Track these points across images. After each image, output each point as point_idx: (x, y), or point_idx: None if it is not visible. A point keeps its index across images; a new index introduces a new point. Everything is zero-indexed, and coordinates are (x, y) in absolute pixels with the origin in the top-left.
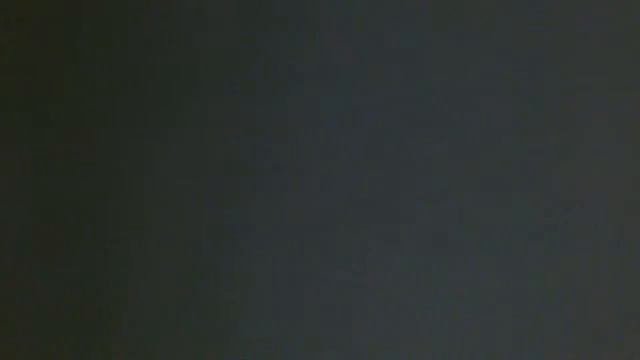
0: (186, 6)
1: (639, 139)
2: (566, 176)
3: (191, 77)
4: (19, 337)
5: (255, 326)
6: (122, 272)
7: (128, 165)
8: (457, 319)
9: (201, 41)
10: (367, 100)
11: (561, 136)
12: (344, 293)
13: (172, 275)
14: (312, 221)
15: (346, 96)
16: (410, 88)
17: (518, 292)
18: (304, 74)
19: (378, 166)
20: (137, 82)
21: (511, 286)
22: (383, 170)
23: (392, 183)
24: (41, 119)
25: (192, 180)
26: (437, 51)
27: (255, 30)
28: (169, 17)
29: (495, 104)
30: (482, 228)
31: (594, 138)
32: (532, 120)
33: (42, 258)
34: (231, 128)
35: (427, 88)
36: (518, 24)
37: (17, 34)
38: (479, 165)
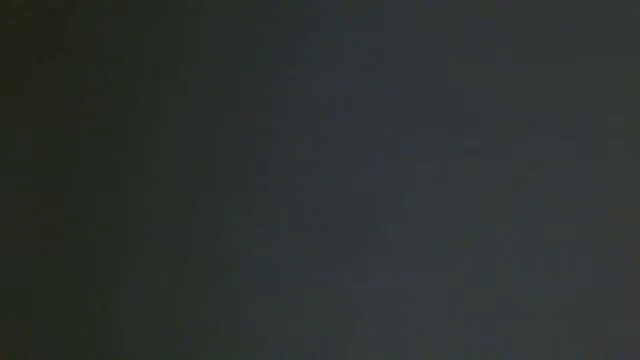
0: (184, 4)
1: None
2: (565, 176)
3: (189, 76)
4: (19, 337)
5: (254, 325)
6: (121, 272)
7: (127, 165)
8: (456, 318)
9: (198, 39)
10: (367, 100)
11: (561, 136)
12: (342, 294)
13: (171, 274)
14: (310, 219)
15: (345, 97)
16: (409, 88)
17: (516, 292)
18: (303, 73)
19: (377, 165)
20: (136, 82)
21: (509, 286)
22: (382, 169)
23: (391, 182)
24: (41, 119)
25: (191, 180)
26: (437, 51)
27: (252, 30)
28: (167, 16)
29: (495, 104)
30: (481, 228)
31: (593, 138)
32: (531, 120)
33: (42, 258)
34: (230, 127)
35: (426, 88)
36: (518, 24)
37: (16, 32)
38: (478, 164)
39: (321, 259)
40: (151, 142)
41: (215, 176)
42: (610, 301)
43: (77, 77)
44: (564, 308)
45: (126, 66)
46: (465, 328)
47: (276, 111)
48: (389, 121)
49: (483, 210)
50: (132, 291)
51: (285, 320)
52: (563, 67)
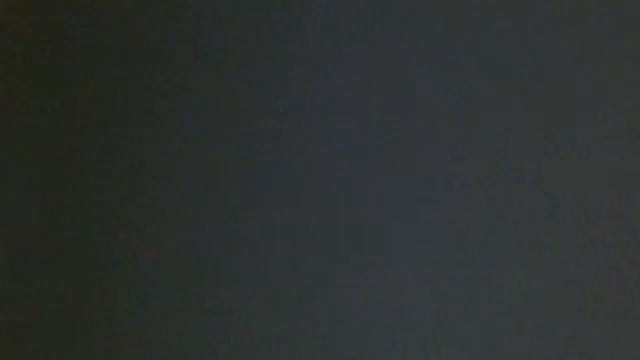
0: (185, 4)
1: (639, 139)
2: (565, 176)
3: (189, 77)
4: (19, 337)
5: (253, 325)
6: (121, 272)
7: (128, 164)
8: (457, 320)
9: (201, 40)
10: (366, 101)
11: (560, 136)
12: (343, 296)
13: (172, 274)
14: (311, 222)
15: (344, 98)
16: (409, 89)
17: (516, 293)
18: (303, 76)
19: (375, 166)
20: (136, 82)
21: (508, 287)
22: (380, 170)
23: (389, 183)
24: (41, 119)
25: (192, 180)
26: (436, 52)
27: (253, 31)
28: (167, 16)
29: (494, 105)
30: (481, 229)
31: (592, 138)
32: (531, 120)
33: (42, 258)
34: (230, 128)
35: (425, 89)
36: (517, 25)
37: (17, 32)
38: (478, 165)
39: (320, 260)
40: (152, 142)
41: (215, 177)
42: (610, 300)
43: (77, 77)
44: (562, 310)
45: (126, 66)
46: (463, 330)
47: (277, 112)
48: (388, 123)
49: (482, 212)
50: (132, 291)
51: (284, 320)
52: (565, 68)
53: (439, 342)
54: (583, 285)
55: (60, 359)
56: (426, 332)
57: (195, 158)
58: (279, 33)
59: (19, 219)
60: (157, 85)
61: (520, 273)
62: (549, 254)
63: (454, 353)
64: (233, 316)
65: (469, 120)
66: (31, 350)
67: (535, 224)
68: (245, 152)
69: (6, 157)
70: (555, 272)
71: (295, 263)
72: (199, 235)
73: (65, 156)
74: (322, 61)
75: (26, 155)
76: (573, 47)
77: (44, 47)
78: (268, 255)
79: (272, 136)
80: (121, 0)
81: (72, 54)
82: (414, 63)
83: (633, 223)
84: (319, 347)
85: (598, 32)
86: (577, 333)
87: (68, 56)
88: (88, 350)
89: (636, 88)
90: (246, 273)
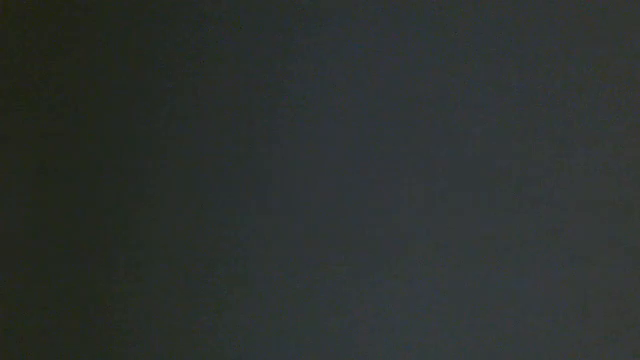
0: (184, 6)
1: (639, 139)
2: (566, 177)
3: (190, 80)
4: (19, 337)
5: (255, 329)
6: (121, 272)
7: (128, 165)
8: (456, 321)
9: (201, 40)
10: (367, 102)
11: (560, 138)
12: (343, 297)
13: (171, 275)
14: (311, 223)
15: (346, 99)
16: (409, 90)
17: (516, 294)
18: (302, 76)
19: (375, 167)
20: (136, 85)
21: (509, 288)
22: (380, 171)
23: (389, 183)
24: (41, 119)
25: (193, 182)
26: (436, 52)
27: (253, 31)
28: (168, 16)
29: (494, 106)
30: (481, 229)
31: (594, 137)
32: (532, 122)
33: (42, 258)
34: (231, 130)
35: (425, 90)
36: (518, 25)
37: (17, 33)
38: (479, 167)
39: (320, 260)
40: (152, 142)
41: (215, 177)
42: (611, 301)
43: (77, 77)
44: (564, 311)
45: (127, 66)
46: (464, 330)
47: (276, 112)
48: (388, 123)
49: (482, 213)
50: (133, 291)
51: (284, 320)
52: (566, 67)
53: (439, 342)
54: (585, 285)
55: (60, 359)
56: (426, 332)
57: (195, 158)
58: (279, 33)
59: (19, 219)
60: (157, 85)
61: (520, 273)
62: (549, 254)
63: (454, 353)
64: (233, 316)
65: (469, 120)
66: (31, 350)
67: (535, 224)
68: (245, 152)
69: (6, 157)
70: (555, 273)
71: (295, 263)
72: (199, 235)
73: (65, 156)
74: (321, 61)
75: (26, 155)
76: (574, 47)
77: (44, 47)
78: (268, 255)
79: (272, 136)
80: (121, 0)
81: (72, 54)
82: (414, 63)
83: (633, 223)
84: (319, 347)
85: (599, 32)
86: (579, 334)
87: (68, 56)
88: (88, 350)
89: (636, 88)
90: (246, 273)
